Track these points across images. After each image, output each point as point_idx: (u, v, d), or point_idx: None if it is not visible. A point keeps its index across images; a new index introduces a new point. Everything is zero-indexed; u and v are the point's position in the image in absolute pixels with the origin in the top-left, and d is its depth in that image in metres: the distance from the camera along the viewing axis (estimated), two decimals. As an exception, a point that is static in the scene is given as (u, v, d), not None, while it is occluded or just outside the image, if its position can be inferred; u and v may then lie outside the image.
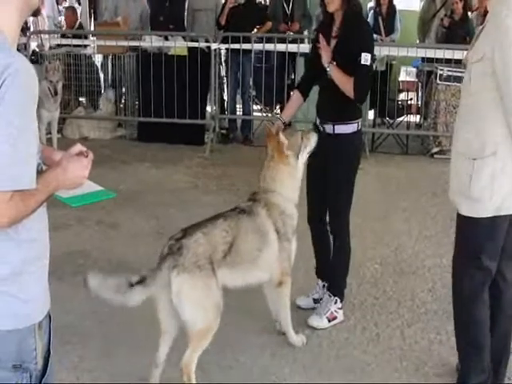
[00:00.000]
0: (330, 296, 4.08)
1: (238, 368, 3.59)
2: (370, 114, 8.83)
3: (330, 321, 4.04)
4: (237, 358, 3.66)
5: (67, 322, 3.89)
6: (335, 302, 4.07)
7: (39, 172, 1.86)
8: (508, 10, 2.90)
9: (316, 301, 4.23)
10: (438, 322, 4.10)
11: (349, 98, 3.82)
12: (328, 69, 3.79)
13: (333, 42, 3.88)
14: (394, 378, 3.56)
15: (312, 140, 3.78)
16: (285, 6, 8.84)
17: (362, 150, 4.70)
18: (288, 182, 3.66)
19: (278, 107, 9.31)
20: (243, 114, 8.93)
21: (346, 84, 3.79)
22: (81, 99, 9.44)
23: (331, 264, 4.14)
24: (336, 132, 3.92)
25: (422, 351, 3.80)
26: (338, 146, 3.93)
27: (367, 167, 6.74)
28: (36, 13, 2.02)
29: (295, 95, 4.15)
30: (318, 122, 4.03)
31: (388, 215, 5.98)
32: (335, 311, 4.06)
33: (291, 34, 8.63)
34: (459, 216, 3.20)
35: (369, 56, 3.78)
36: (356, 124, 3.97)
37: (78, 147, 2.03)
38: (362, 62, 3.77)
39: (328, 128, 3.94)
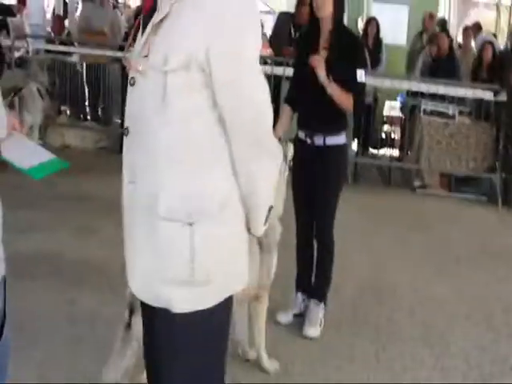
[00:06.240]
0: (316, 303, 4.11)
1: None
2: (354, 145, 8.84)
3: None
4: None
5: (36, 319, 3.83)
6: (322, 308, 4.13)
7: None
8: None
9: (296, 315, 4.20)
10: (414, 349, 4.03)
11: (340, 110, 3.87)
12: (328, 89, 3.78)
13: (323, 53, 3.86)
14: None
15: (290, 152, 3.79)
16: (292, 30, 8.62)
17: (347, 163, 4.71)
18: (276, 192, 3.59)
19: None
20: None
21: (344, 100, 3.84)
22: (64, 108, 9.37)
23: (318, 270, 4.14)
24: (327, 143, 3.93)
25: (395, 376, 3.73)
26: (327, 157, 3.93)
27: (348, 196, 6.63)
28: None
29: (285, 110, 4.11)
30: (302, 134, 4.00)
31: (367, 243, 5.93)
32: (322, 317, 4.12)
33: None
34: None
35: (363, 72, 3.87)
36: (344, 135, 4.03)
37: None
38: (358, 80, 3.84)
39: (318, 140, 3.93)
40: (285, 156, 3.65)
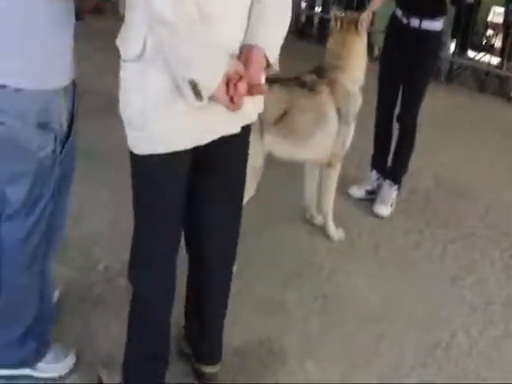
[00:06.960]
0: (390, 184, 4.06)
1: (270, 247, 3.46)
2: (452, 45, 8.38)
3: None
4: (270, 237, 3.53)
5: (106, 146, 3.85)
6: (395, 190, 4.06)
7: None
8: None
9: (368, 192, 4.15)
10: (483, 245, 3.91)
11: None
12: None
13: None
14: (430, 288, 3.40)
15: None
16: None
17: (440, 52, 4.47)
18: (359, 59, 3.48)
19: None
20: (322, 12, 8.56)
21: None
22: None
23: (396, 154, 4.05)
24: (422, 27, 3.75)
25: (461, 268, 3.63)
26: (421, 41, 3.77)
27: (440, 95, 6.41)
28: None
29: None
30: (399, 12, 3.84)
31: (451, 142, 5.68)
32: (394, 198, 4.07)
33: None
34: None
35: None
36: (442, 21, 3.83)
37: None
38: None
39: (414, 22, 3.76)
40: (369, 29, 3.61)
